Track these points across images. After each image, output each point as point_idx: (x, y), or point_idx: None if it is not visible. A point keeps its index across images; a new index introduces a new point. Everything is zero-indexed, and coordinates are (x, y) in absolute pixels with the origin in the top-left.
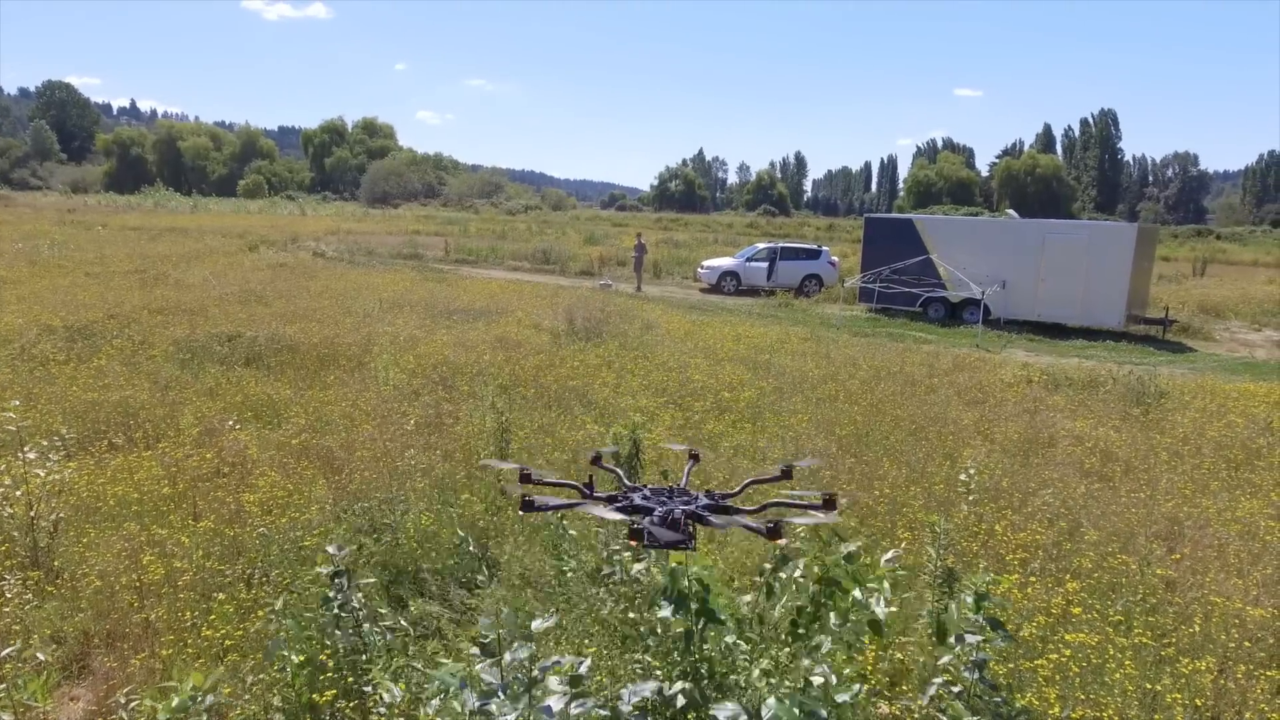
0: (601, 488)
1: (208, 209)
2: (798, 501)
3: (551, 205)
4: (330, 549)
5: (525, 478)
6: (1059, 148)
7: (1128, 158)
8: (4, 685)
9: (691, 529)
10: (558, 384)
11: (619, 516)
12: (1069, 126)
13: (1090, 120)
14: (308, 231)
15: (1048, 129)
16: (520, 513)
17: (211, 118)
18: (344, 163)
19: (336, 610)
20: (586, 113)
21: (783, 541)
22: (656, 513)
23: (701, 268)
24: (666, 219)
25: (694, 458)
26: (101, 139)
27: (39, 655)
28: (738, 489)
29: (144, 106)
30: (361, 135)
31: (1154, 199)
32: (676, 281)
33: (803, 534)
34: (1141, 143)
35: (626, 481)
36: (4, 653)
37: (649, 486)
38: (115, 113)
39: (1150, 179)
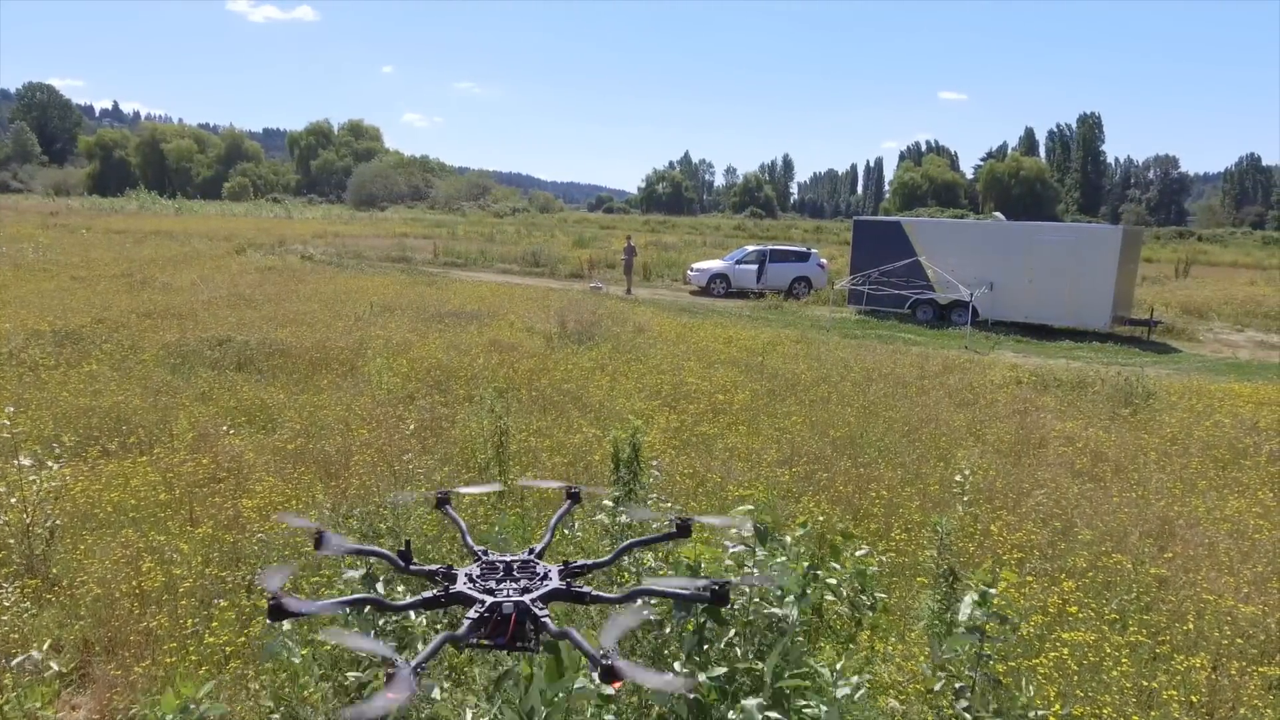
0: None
1: (192, 211)
2: (675, 589)
3: (539, 207)
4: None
5: (322, 541)
6: (1042, 150)
7: (1110, 160)
8: (16, 693)
9: (529, 625)
10: (552, 387)
11: (381, 651)
12: (1052, 130)
13: (1074, 123)
14: (295, 234)
15: (1030, 132)
16: (269, 620)
17: (195, 120)
18: (330, 165)
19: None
20: (573, 116)
21: (619, 685)
22: (470, 612)
23: (691, 270)
24: (654, 221)
25: (572, 498)
26: (84, 141)
27: (53, 664)
28: (609, 555)
29: (127, 108)
30: (348, 137)
31: (1136, 201)
32: (666, 284)
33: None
34: (1123, 145)
35: (469, 541)
36: (15, 661)
37: (488, 553)
38: (98, 114)
39: (1132, 181)
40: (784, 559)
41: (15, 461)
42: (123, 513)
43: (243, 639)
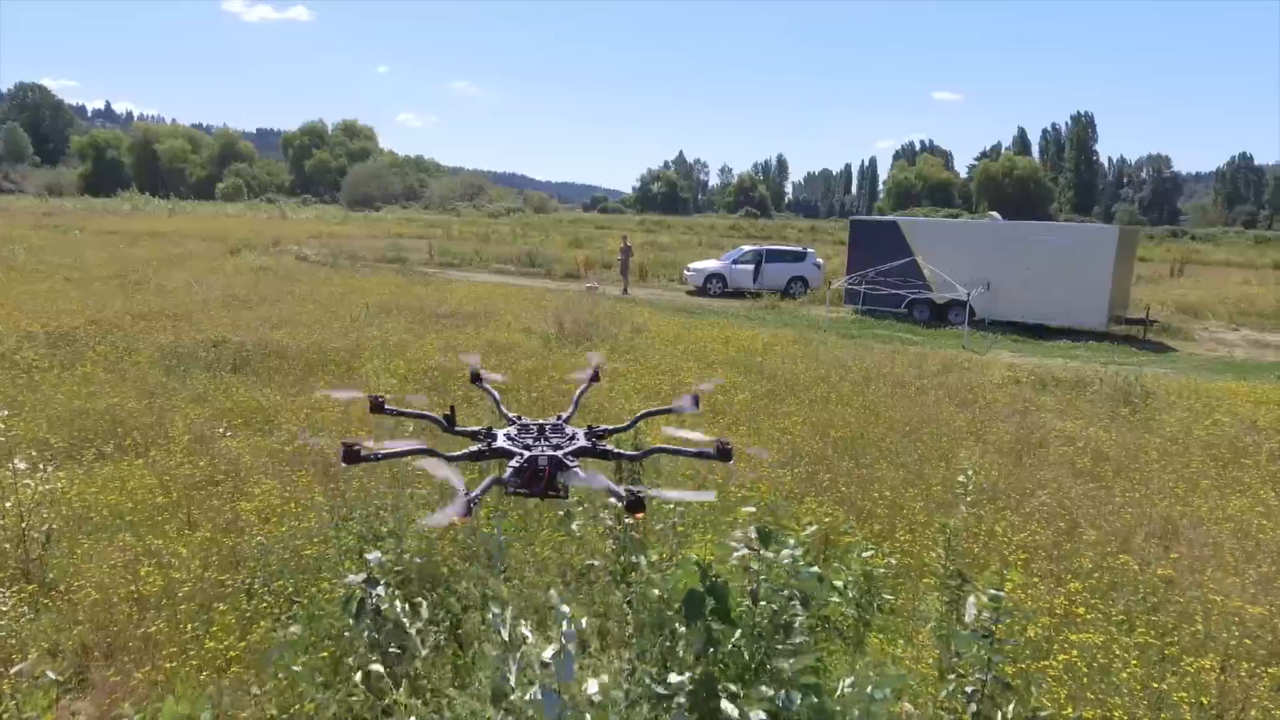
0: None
1: (186, 212)
2: (687, 448)
3: (534, 207)
4: (370, 557)
5: (377, 406)
6: (1036, 150)
7: (1103, 159)
8: (14, 700)
9: (559, 478)
10: (551, 387)
11: (453, 479)
12: (1046, 129)
13: (1067, 123)
14: (289, 235)
15: (1023, 132)
16: (344, 464)
17: (189, 120)
18: (324, 165)
19: (370, 617)
20: (567, 115)
21: (641, 516)
22: (512, 462)
23: (688, 270)
24: (650, 221)
25: (593, 376)
26: (76, 141)
27: (49, 674)
28: (627, 423)
29: (119, 109)
30: (342, 138)
31: (1129, 200)
32: (662, 284)
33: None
34: (1116, 145)
35: (503, 409)
36: (15, 669)
37: (523, 419)
38: (90, 115)
39: (1125, 181)
40: (792, 557)
41: (10, 464)
42: (119, 516)
43: (244, 644)
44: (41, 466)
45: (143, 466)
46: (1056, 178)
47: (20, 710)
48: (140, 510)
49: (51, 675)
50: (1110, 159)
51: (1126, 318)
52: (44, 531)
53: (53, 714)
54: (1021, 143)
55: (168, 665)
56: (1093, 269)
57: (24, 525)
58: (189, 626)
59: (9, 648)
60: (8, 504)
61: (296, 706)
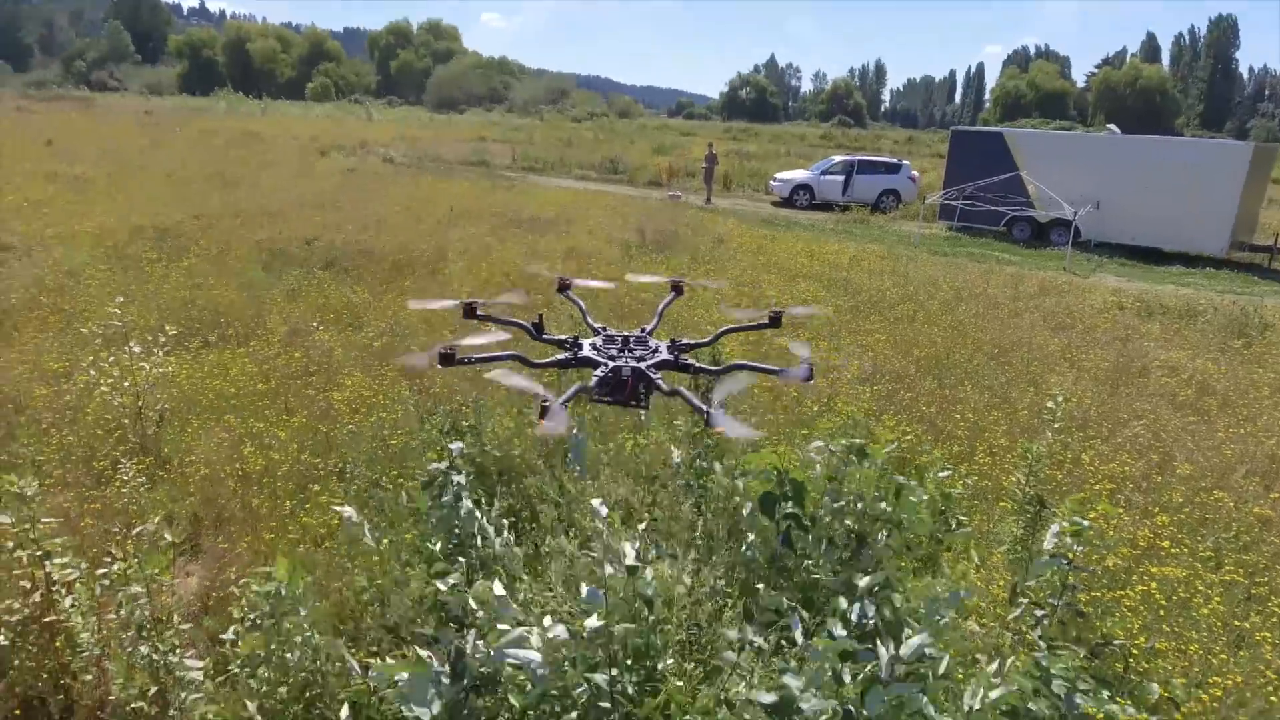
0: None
1: (278, 112)
2: (766, 365)
3: (618, 112)
4: (453, 446)
5: (469, 311)
6: (1166, 58)
7: (1243, 70)
8: (137, 559)
9: (642, 388)
10: (630, 296)
11: (537, 389)
12: (1180, 34)
13: (1205, 27)
14: (375, 137)
15: (1152, 37)
16: (439, 365)
17: (278, 19)
18: (410, 66)
19: (452, 501)
20: (655, 16)
21: (720, 430)
22: (596, 372)
23: (774, 180)
24: (736, 129)
25: (676, 290)
26: (173, 40)
27: (165, 535)
28: (709, 338)
29: (213, 7)
30: (426, 37)
31: (1268, 116)
32: (747, 194)
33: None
34: (1260, 54)
35: (590, 320)
36: (135, 531)
37: (608, 330)
38: (185, 13)
39: (1267, 94)
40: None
41: (127, 348)
42: (224, 400)
43: (336, 522)
44: (154, 352)
45: (244, 355)
46: (1186, 89)
47: (143, 567)
48: (243, 396)
49: (168, 537)
50: (1251, 69)
51: (1251, 244)
52: (158, 411)
53: (170, 573)
54: (1150, 49)
55: (268, 536)
56: (1218, 190)
57: (140, 404)
58: (288, 504)
59: (131, 512)
60: (126, 384)
61: (381, 581)
